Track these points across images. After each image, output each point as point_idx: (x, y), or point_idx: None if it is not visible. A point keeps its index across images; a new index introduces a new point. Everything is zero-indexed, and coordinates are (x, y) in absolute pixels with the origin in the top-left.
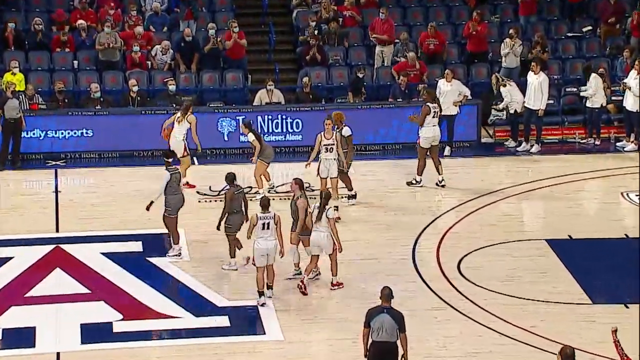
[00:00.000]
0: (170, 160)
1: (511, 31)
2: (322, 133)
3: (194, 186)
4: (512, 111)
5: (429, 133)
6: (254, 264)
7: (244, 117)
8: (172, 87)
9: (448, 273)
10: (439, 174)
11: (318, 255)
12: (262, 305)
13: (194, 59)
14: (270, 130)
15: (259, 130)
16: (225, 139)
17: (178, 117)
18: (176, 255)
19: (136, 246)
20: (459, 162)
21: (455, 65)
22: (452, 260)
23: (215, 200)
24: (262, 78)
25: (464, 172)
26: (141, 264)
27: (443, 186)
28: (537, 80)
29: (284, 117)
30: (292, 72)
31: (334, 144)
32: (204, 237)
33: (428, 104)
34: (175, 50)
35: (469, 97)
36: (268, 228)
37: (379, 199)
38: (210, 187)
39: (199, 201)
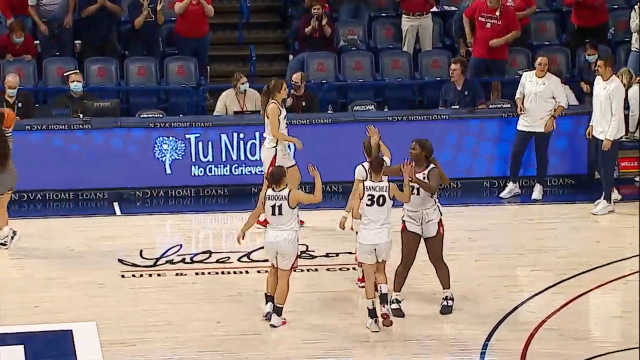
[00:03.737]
0: None
1: None
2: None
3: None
4: None
5: (436, 210)
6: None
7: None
8: (76, 86)
9: None
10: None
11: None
12: (267, 317)
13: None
14: (243, 158)
15: (222, 157)
16: (168, 171)
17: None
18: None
19: (15, 353)
20: (557, 210)
21: (551, 48)
22: None
23: (151, 275)
24: (229, 71)
25: (565, 228)
26: None
27: None
28: (604, 91)
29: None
30: (279, 61)
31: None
32: (128, 335)
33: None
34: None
35: (568, 105)
36: (280, 213)
37: (423, 269)
38: (141, 251)
39: (122, 275)
